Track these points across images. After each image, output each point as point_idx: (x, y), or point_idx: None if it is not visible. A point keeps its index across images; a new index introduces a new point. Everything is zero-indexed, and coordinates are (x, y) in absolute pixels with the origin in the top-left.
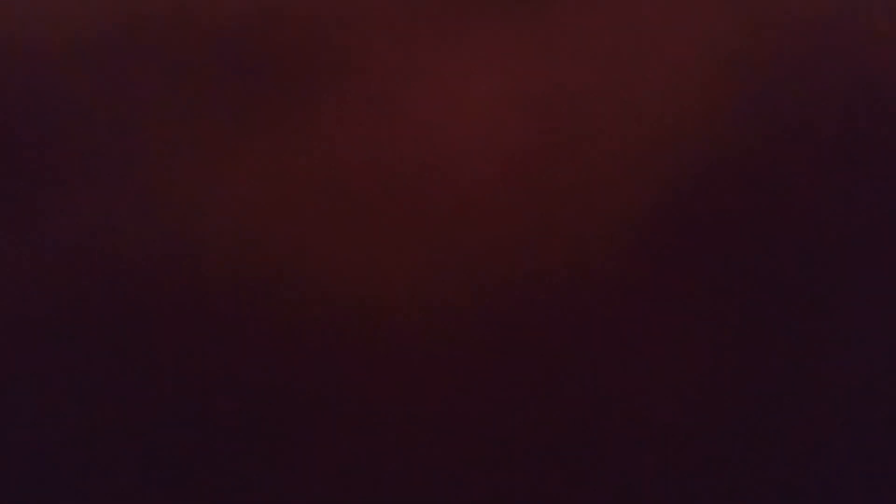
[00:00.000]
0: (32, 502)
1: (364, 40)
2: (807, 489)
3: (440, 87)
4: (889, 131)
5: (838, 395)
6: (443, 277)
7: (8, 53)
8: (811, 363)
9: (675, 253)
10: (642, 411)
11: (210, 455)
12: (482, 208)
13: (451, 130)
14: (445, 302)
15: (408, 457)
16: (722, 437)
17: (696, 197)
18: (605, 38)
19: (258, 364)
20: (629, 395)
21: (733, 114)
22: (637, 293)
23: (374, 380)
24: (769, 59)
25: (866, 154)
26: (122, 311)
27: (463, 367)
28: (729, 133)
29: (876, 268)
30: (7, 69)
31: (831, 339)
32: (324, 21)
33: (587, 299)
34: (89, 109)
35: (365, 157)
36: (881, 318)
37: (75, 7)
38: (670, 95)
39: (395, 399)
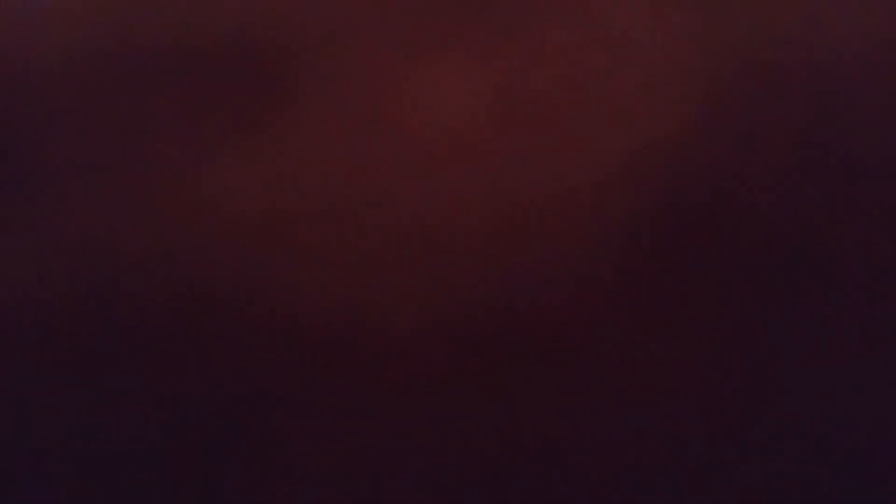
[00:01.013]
0: (32, 502)
1: (347, 50)
2: (807, 488)
3: (422, 96)
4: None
5: (839, 395)
6: (426, 283)
7: (8, 56)
8: (811, 363)
9: (657, 257)
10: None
11: (202, 459)
12: (463, 214)
13: (431, 139)
14: (430, 306)
15: (403, 464)
16: (722, 438)
17: (676, 202)
18: (583, 49)
19: (253, 364)
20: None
21: (710, 119)
22: (620, 298)
23: (366, 383)
24: (743, 68)
25: (857, 151)
26: (120, 311)
27: (451, 371)
28: (708, 137)
29: (876, 267)
30: (6, 71)
31: (831, 338)
32: (309, 30)
33: (570, 305)
34: (87, 113)
35: (347, 164)
36: (882, 317)
37: (74, 11)
38: (648, 103)
39: (387, 404)
